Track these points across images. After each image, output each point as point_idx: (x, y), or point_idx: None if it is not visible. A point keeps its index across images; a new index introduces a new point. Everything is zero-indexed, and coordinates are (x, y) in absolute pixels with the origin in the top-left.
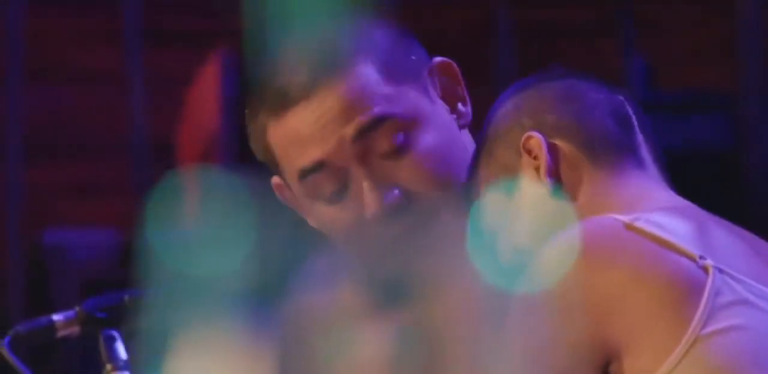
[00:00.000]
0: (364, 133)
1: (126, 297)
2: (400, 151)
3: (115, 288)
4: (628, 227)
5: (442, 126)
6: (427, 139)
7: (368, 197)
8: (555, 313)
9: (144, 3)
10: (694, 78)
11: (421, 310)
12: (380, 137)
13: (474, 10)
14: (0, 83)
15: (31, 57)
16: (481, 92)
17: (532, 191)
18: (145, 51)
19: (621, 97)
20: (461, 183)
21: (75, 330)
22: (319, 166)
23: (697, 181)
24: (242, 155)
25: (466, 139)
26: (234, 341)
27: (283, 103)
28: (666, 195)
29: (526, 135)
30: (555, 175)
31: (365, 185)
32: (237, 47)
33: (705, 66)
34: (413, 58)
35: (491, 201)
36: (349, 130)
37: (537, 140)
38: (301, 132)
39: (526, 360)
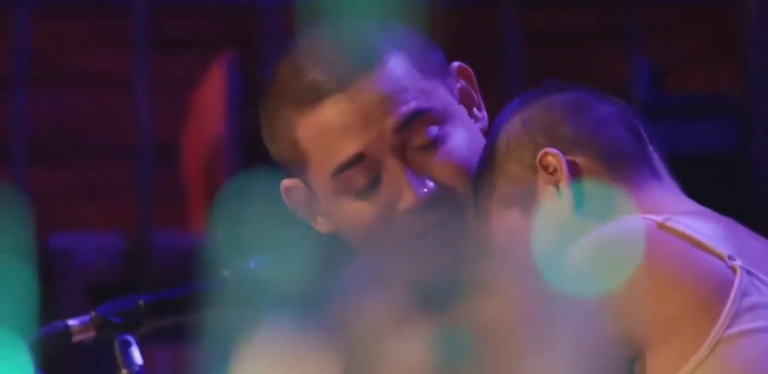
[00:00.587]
0: (404, 126)
1: (141, 302)
2: (433, 144)
3: (121, 291)
4: (661, 226)
5: (467, 124)
6: (456, 134)
7: (405, 188)
8: (591, 312)
9: (150, 7)
10: (699, 81)
11: (464, 311)
12: (416, 130)
13: (480, 13)
14: (6, 86)
15: (37, 60)
16: (486, 95)
17: (552, 207)
18: (151, 54)
19: (627, 108)
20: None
21: (90, 335)
22: (358, 160)
23: (701, 184)
24: (247, 158)
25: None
26: (299, 343)
27: (318, 95)
28: (687, 204)
29: (542, 151)
30: (577, 189)
31: (402, 176)
32: (242, 51)
33: (710, 69)
34: (437, 59)
35: (505, 218)
36: (390, 122)
37: (555, 156)
38: (337, 123)
39: (565, 360)
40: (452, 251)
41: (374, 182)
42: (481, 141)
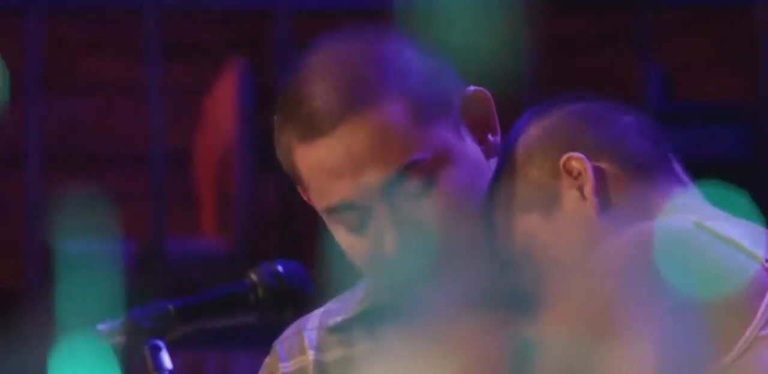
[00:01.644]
0: (394, 180)
1: (171, 307)
2: (425, 191)
3: (136, 297)
4: (699, 226)
5: (468, 162)
6: (452, 177)
7: (389, 236)
8: (642, 311)
9: (162, 15)
10: (712, 88)
11: (526, 317)
12: (407, 180)
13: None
14: (18, 94)
15: (49, 68)
16: (500, 101)
17: (575, 211)
18: (163, 62)
19: (645, 118)
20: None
21: (120, 339)
22: (347, 206)
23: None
24: (259, 165)
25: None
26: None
27: (311, 130)
28: (715, 210)
29: (567, 155)
30: (601, 194)
31: (388, 224)
32: (254, 58)
33: (723, 76)
34: (446, 88)
35: (525, 222)
36: (380, 176)
37: (579, 160)
38: (328, 165)
39: (626, 361)
40: (469, 284)
41: (366, 221)
42: (484, 174)
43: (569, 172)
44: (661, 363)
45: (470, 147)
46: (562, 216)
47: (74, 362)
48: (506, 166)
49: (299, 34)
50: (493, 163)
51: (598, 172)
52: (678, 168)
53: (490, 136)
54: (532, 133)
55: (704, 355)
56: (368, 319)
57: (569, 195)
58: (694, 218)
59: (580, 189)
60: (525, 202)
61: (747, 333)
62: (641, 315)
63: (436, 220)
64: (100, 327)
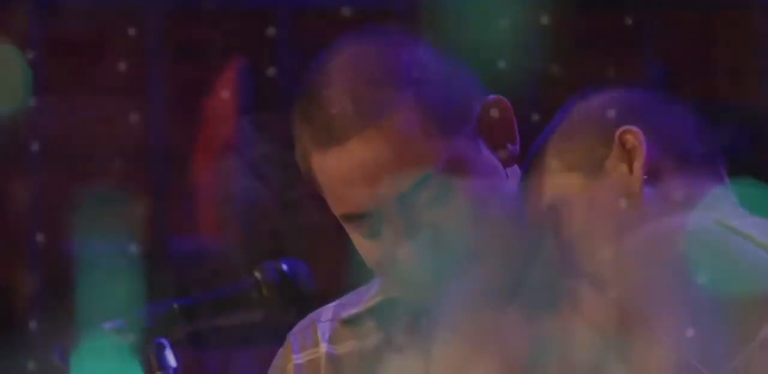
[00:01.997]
0: (408, 193)
1: (176, 306)
2: (439, 201)
3: (138, 297)
4: (722, 225)
5: (484, 172)
6: (467, 188)
7: (402, 245)
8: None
9: (164, 14)
10: (712, 88)
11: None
12: (422, 191)
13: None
14: None
15: (50, 67)
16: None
17: (618, 184)
18: (165, 61)
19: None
20: (498, 226)
21: (125, 338)
22: (360, 215)
23: None
24: (258, 165)
25: (513, 174)
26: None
27: (326, 138)
28: (744, 210)
29: (624, 128)
30: (648, 173)
31: (401, 233)
32: (255, 57)
33: (722, 76)
34: (465, 96)
35: (565, 179)
36: (394, 188)
37: (636, 135)
38: (343, 174)
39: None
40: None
41: (379, 228)
42: (500, 183)
43: (623, 144)
44: (685, 359)
45: (487, 156)
46: (603, 186)
47: (95, 361)
48: (558, 129)
49: (299, 34)
50: (511, 171)
51: (651, 151)
52: (722, 168)
53: (509, 145)
54: (594, 103)
55: (725, 352)
56: (382, 313)
57: (617, 167)
58: (719, 216)
59: (629, 163)
60: (569, 163)
61: (765, 331)
62: (667, 313)
63: (449, 230)
64: (106, 326)
